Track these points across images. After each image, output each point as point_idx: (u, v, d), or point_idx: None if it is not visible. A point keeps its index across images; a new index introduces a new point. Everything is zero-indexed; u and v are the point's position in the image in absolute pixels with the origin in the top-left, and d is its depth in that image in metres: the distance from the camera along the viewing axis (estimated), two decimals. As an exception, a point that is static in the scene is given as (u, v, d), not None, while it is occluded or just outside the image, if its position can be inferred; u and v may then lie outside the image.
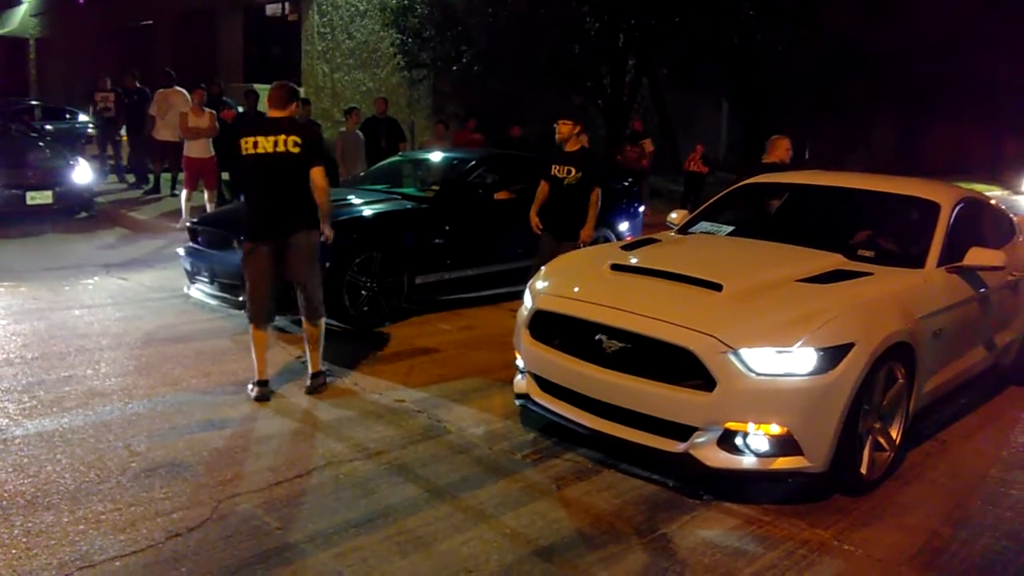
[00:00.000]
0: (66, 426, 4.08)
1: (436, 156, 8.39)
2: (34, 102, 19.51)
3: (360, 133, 10.98)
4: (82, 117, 17.53)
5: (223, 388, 4.73)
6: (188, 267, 6.44)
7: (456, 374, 5.16)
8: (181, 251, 6.57)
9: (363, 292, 6.07)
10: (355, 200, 6.84)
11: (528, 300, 4.27)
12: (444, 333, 6.18)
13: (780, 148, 6.76)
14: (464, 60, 14.61)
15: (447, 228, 6.74)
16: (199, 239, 6.52)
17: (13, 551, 2.94)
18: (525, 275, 7.02)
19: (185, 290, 6.55)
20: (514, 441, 4.15)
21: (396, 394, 4.76)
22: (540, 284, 4.31)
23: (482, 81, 14.94)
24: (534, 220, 6.03)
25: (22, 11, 28.86)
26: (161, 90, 11.34)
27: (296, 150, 4.47)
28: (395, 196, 7.08)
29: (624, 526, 3.34)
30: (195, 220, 6.95)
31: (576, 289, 4.10)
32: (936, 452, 4.28)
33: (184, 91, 11.21)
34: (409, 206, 6.82)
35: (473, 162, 7.50)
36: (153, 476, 3.57)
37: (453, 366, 5.35)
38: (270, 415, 4.36)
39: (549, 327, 4.05)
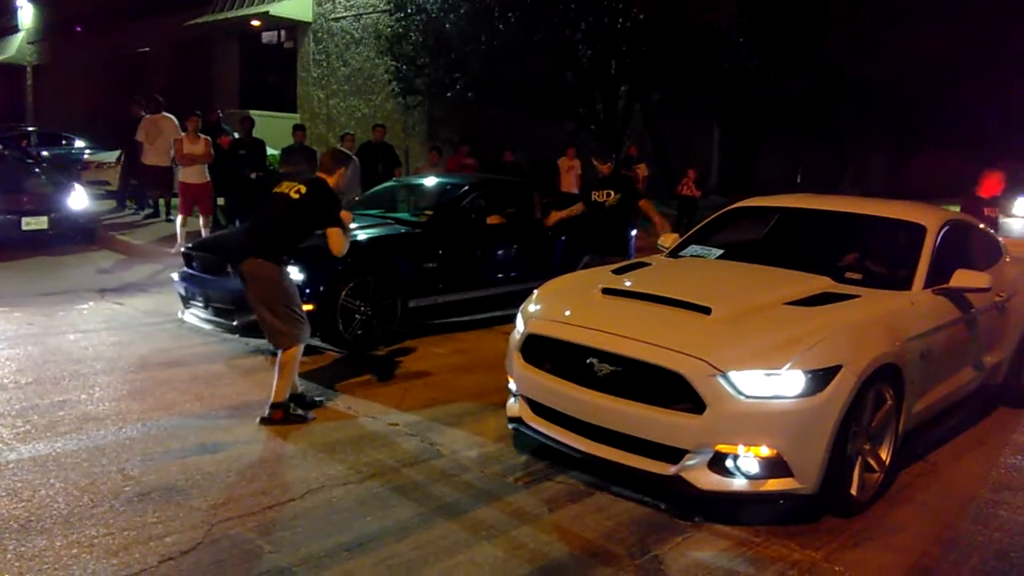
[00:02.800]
0: (60, 450, 4.08)
1: (429, 181, 8.48)
2: (31, 128, 19.62)
3: (355, 158, 11.08)
4: (78, 143, 17.62)
5: (217, 412, 4.75)
6: (182, 292, 6.46)
7: (449, 397, 5.19)
8: (175, 276, 6.60)
9: (357, 316, 6.11)
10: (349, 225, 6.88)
11: (520, 324, 4.30)
12: (437, 356, 6.20)
13: (993, 181, 7.01)
14: (458, 87, 14.79)
15: (440, 252, 6.81)
16: (193, 264, 6.55)
17: (6, 575, 2.95)
18: (517, 299, 7.14)
19: (179, 315, 6.57)
20: (507, 464, 4.17)
21: (389, 417, 4.78)
22: (532, 308, 4.35)
23: (476, 107, 15.11)
24: (554, 218, 6.75)
25: (20, 38, 29.10)
26: (149, 116, 11.42)
27: (296, 196, 4.61)
28: (389, 221, 7.14)
29: (616, 548, 3.35)
30: (190, 245, 6.99)
31: (567, 313, 4.13)
32: (926, 473, 4.31)
33: (172, 117, 11.30)
34: (403, 231, 6.88)
35: (466, 187, 7.59)
36: (146, 500, 3.57)
37: (446, 389, 5.37)
38: (263, 439, 4.37)
39: (541, 351, 4.08)
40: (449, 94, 15.01)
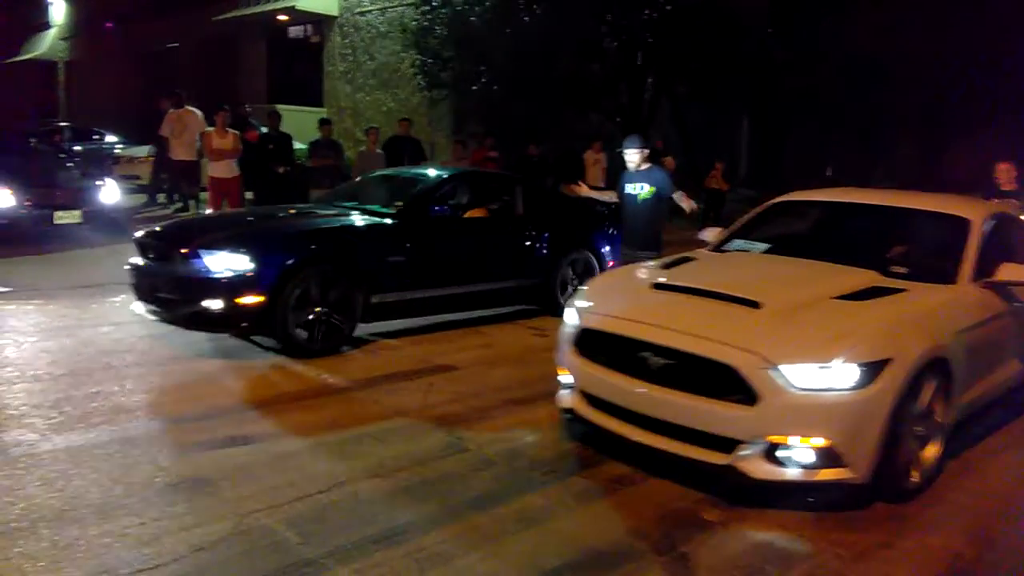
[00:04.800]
0: (93, 441, 4.14)
1: (409, 173, 8.14)
2: (63, 123, 19.93)
3: (381, 152, 11.13)
4: (109, 138, 17.88)
5: (246, 405, 4.79)
6: (133, 281, 6.02)
7: (475, 391, 5.19)
8: (128, 266, 6.13)
9: (311, 313, 5.71)
10: (311, 215, 6.64)
11: (572, 318, 4.37)
12: (462, 351, 6.20)
13: (1000, 172, 7.16)
14: (483, 80, 14.77)
15: (409, 246, 6.33)
16: (145, 252, 6.09)
17: (41, 563, 2.99)
18: (497, 297, 7.08)
19: (132, 307, 6.21)
20: (533, 459, 4.16)
21: (415, 411, 4.79)
22: (584, 303, 4.43)
23: (501, 101, 15.08)
24: (584, 190, 7.29)
25: (51, 35, 29.56)
26: (173, 111, 11.53)
27: None
28: (356, 212, 6.65)
29: (643, 544, 3.33)
30: (141, 232, 6.32)
31: (621, 308, 4.22)
32: (961, 471, 4.22)
33: (196, 111, 11.38)
34: (367, 220, 6.42)
35: (442, 179, 7.23)
36: (177, 491, 3.61)
37: (471, 383, 5.37)
38: (291, 432, 4.40)
39: (594, 344, 4.18)
40: (474, 87, 14.99)
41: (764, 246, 5.18)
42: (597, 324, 4.18)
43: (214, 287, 5.45)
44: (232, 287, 5.45)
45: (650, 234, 6.43)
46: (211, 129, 10.59)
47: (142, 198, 13.16)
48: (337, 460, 4.04)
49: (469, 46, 14.73)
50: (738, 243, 5.29)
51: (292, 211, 7.05)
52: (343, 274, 5.88)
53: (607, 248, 7.68)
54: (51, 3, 29.23)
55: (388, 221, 6.45)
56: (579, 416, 4.23)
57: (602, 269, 7.48)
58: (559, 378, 4.42)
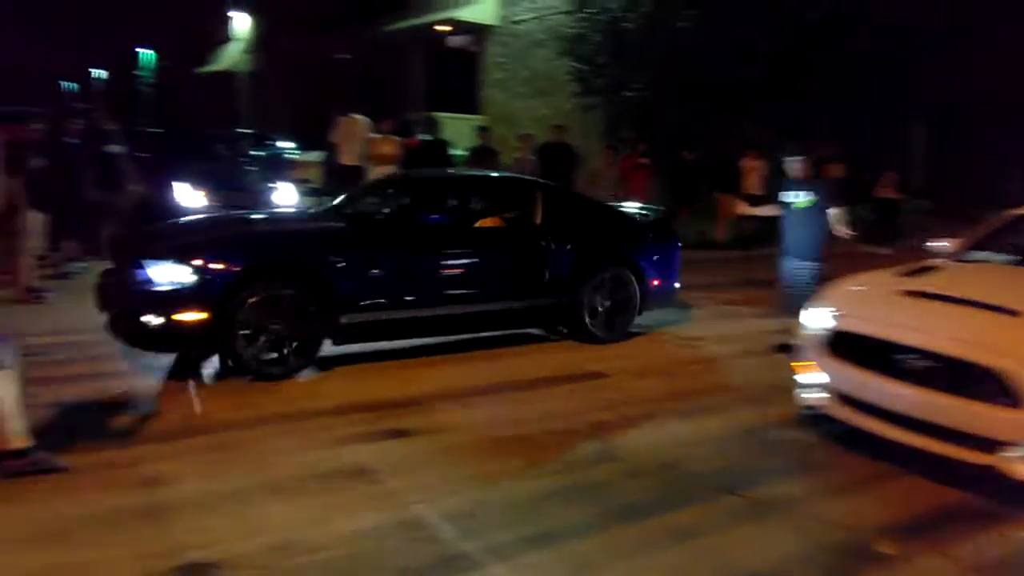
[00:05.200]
0: (272, 425, 4.48)
1: (416, 177, 7.57)
2: (245, 131, 21.66)
3: (534, 158, 11.30)
4: (285, 144, 19.23)
5: (408, 400, 4.99)
6: (95, 290, 5.52)
7: (624, 400, 5.16)
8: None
9: (264, 333, 5.10)
10: (282, 222, 6.46)
11: (821, 321, 4.55)
12: (606, 359, 6.10)
13: None
14: (637, 86, 14.64)
15: (389, 259, 5.61)
16: (112, 258, 5.76)
17: (233, 532, 3.27)
18: (509, 318, 6.34)
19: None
20: (685, 471, 4.09)
21: (563, 416, 4.82)
22: (829, 308, 4.59)
23: (654, 106, 14.89)
24: (744, 209, 7.70)
25: (236, 48, 32.25)
26: (342, 118, 12.23)
27: None
28: (328, 219, 6.20)
29: (808, 571, 3.18)
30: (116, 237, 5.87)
31: (878, 312, 4.42)
32: None
33: (363, 118, 12.02)
34: (340, 227, 5.93)
35: (438, 183, 6.67)
36: (342, 477, 3.83)
37: (620, 391, 5.35)
38: (449, 428, 4.56)
39: (844, 346, 4.34)
40: (628, 94, 14.90)
41: (1008, 257, 5.09)
42: (855, 327, 4.36)
43: (155, 300, 4.92)
44: (173, 301, 4.92)
45: (809, 244, 6.24)
46: (376, 135, 11.16)
47: (315, 200, 14.07)
48: (490, 459, 4.15)
49: (623, 52, 14.65)
50: (979, 254, 5.25)
51: (264, 218, 6.72)
52: (302, 289, 5.24)
53: (648, 264, 6.73)
54: (231, 19, 31.92)
55: (364, 231, 5.85)
56: (830, 415, 4.45)
57: (642, 288, 6.62)
58: (798, 377, 4.69)
